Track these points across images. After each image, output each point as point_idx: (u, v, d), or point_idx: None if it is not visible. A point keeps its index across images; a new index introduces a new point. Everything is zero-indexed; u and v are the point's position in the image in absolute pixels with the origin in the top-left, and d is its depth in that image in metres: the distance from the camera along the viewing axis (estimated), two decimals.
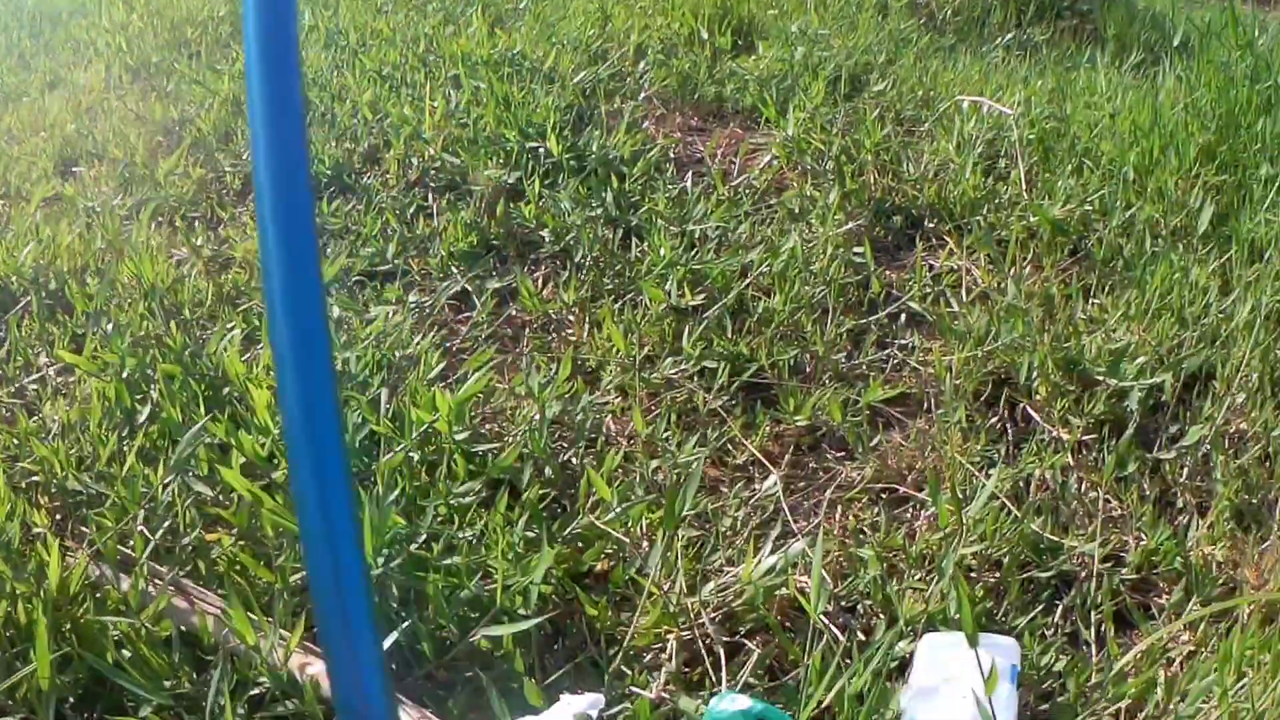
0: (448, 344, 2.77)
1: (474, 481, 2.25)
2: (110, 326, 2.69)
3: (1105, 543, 2.15)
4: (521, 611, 1.96)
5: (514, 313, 2.91)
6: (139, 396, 2.43)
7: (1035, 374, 2.52)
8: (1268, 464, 2.35)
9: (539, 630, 1.99)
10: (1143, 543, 2.17)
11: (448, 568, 2.05)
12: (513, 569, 2.02)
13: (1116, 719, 1.88)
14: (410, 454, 2.28)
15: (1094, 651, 2.01)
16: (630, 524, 2.20)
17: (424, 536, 2.11)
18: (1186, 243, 2.91)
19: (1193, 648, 2.00)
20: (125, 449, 2.25)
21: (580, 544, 2.15)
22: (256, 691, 1.85)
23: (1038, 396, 2.51)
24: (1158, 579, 2.14)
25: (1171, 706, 1.88)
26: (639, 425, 2.42)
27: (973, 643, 1.54)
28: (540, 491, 2.27)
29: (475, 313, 2.86)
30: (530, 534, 2.12)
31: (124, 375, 2.46)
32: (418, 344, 2.65)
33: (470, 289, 2.96)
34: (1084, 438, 2.40)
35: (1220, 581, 2.10)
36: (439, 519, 2.18)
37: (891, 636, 1.91)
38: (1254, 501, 2.27)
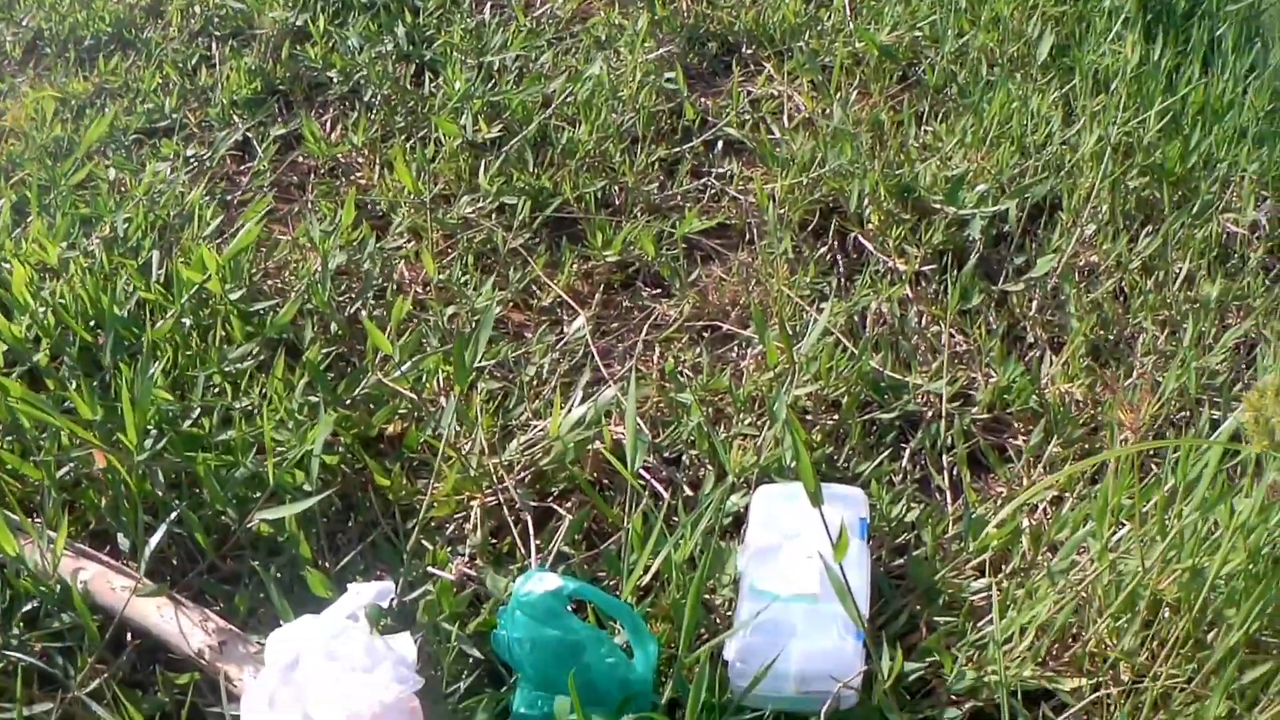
0: (228, 197, 2.37)
1: (250, 344, 1.89)
2: None
3: (953, 380, 1.89)
4: (307, 488, 1.64)
5: (299, 159, 2.51)
6: None
7: (867, 201, 2.23)
8: (1123, 299, 2.12)
9: (328, 507, 1.71)
10: (993, 380, 1.91)
11: (222, 444, 1.72)
12: (293, 439, 1.69)
13: (980, 573, 1.62)
14: (182, 320, 1.92)
15: (948, 499, 1.74)
16: (425, 379, 1.87)
17: (197, 411, 1.77)
18: (1025, 72, 2.64)
19: (1056, 493, 1.75)
20: None
21: (371, 406, 1.82)
22: (30, 607, 1.54)
23: (870, 225, 2.23)
24: (1011, 419, 1.89)
25: (1040, 559, 1.62)
26: (430, 269, 2.06)
27: (815, 498, 1.24)
28: (324, 350, 1.92)
29: (256, 162, 2.46)
30: (313, 399, 1.78)
31: None
32: (193, 199, 2.25)
33: (252, 137, 2.54)
34: (923, 268, 2.12)
35: (1081, 422, 1.85)
36: (213, 390, 1.83)
37: (722, 491, 1.61)
38: (1110, 337, 2.02)
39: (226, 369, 1.85)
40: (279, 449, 1.68)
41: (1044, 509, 1.74)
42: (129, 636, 1.54)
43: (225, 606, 1.57)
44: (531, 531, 1.63)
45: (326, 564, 1.62)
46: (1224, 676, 1.34)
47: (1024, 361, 1.95)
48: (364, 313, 2.04)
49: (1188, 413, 1.90)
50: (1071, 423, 1.82)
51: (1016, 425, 1.88)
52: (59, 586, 1.53)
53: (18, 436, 1.72)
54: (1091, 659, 1.50)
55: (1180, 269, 2.13)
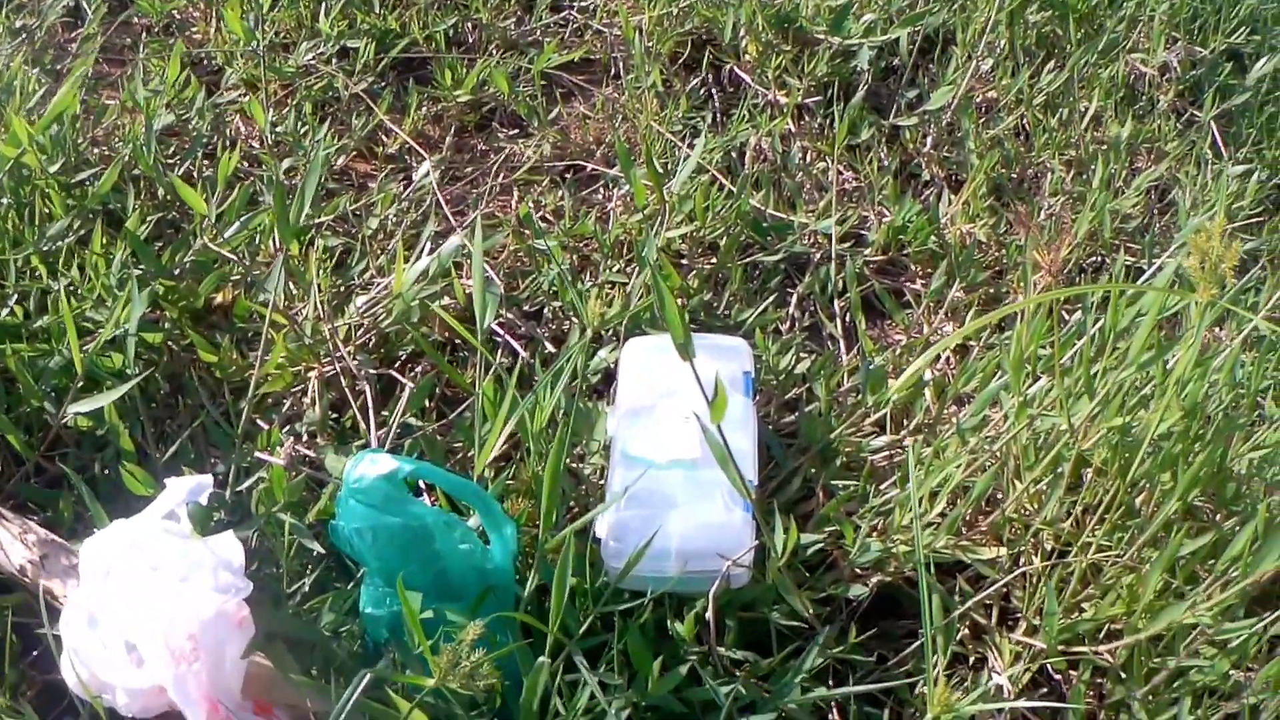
0: (57, 66, 2.04)
1: (69, 218, 1.59)
2: None
3: (842, 220, 1.67)
4: (129, 371, 1.39)
5: (133, 19, 2.18)
6: None
7: (743, 32, 1.99)
8: (1025, 137, 1.91)
9: (156, 392, 1.45)
10: (887, 219, 1.70)
11: (38, 332, 1.45)
12: (112, 318, 1.41)
13: (881, 430, 1.42)
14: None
15: (842, 349, 1.53)
16: (260, 241, 1.60)
17: (14, 298, 1.48)
18: None
19: (960, 343, 1.55)
20: None
21: (202, 276, 1.54)
22: None
23: (747, 57, 1.98)
24: (908, 261, 1.68)
25: (947, 414, 1.42)
26: (260, 120, 1.77)
27: (684, 349, 1.01)
28: (152, 217, 1.63)
29: (86, 25, 2.12)
30: (138, 272, 1.49)
31: None
32: (14, 70, 1.91)
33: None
34: (806, 101, 1.89)
35: (985, 265, 1.65)
36: (31, 273, 1.54)
37: (585, 345, 1.37)
38: (1013, 176, 1.82)
39: (45, 248, 1.55)
40: (98, 331, 1.42)
41: (947, 358, 1.54)
42: None
43: (51, 515, 1.33)
44: (373, 404, 1.38)
45: (156, 455, 1.36)
46: (1166, 549, 1.15)
47: (920, 200, 1.74)
48: (194, 173, 1.75)
49: (1098, 258, 1.71)
50: (975, 265, 1.62)
51: (914, 268, 1.68)
52: None
53: None
54: (1010, 527, 1.31)
55: (1086, 108, 1.93)
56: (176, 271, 1.52)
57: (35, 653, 1.22)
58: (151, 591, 1.06)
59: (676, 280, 1.52)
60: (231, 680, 1.04)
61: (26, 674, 1.22)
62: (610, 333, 1.45)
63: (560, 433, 1.14)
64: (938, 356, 1.52)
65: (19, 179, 1.62)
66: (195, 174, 1.74)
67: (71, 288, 1.49)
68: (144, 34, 2.12)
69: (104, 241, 1.53)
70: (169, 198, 1.69)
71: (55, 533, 1.26)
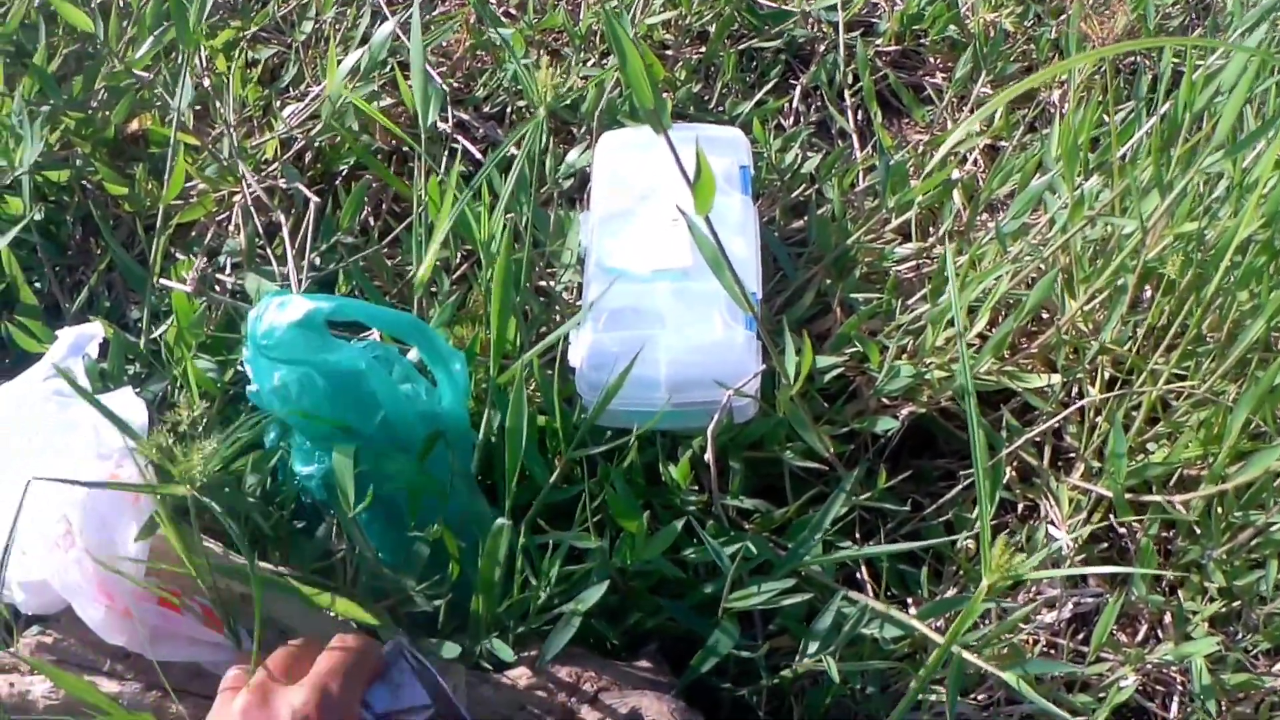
0: None
1: None
2: None
3: (847, 3, 1.34)
4: (37, 217, 1.09)
5: None
6: None
7: None
8: None
9: (65, 238, 1.16)
10: (899, 6, 1.37)
11: None
12: (10, 157, 1.09)
13: (905, 238, 1.11)
14: None
15: (855, 145, 1.22)
16: (182, 58, 1.24)
17: None
18: None
19: (989, 142, 1.24)
20: None
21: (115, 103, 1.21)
22: None
23: None
24: (925, 52, 1.36)
25: (981, 219, 1.12)
26: None
27: (656, 120, 0.69)
28: (69, 49, 1.28)
29: None
30: (48, 105, 1.16)
31: None
32: None
33: None
34: None
35: (1013, 57, 1.32)
36: None
37: (539, 126, 1.06)
38: None
39: None
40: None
41: (975, 160, 1.23)
42: None
43: None
44: (309, 228, 1.07)
45: (68, 306, 1.08)
46: (1261, 381, 0.85)
47: None
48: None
49: (1134, 59, 1.39)
50: (1002, 57, 1.30)
51: (932, 60, 1.35)
52: None
53: None
54: (1064, 351, 1.01)
55: None
56: (94, 105, 1.20)
57: None
58: (27, 466, 0.77)
59: (660, 71, 1.20)
60: (130, 567, 0.74)
61: None
62: (584, 130, 1.13)
63: (506, 240, 0.83)
64: (962, 158, 1.21)
65: None
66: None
67: None
68: None
69: (9, 81, 1.20)
70: (90, 31, 1.35)
71: None
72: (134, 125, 1.23)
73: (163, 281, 1.02)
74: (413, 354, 0.90)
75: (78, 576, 0.73)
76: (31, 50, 1.26)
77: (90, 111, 1.19)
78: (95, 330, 0.87)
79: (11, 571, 0.76)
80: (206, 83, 1.20)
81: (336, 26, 1.32)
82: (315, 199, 1.07)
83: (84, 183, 1.18)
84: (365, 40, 1.24)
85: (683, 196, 0.93)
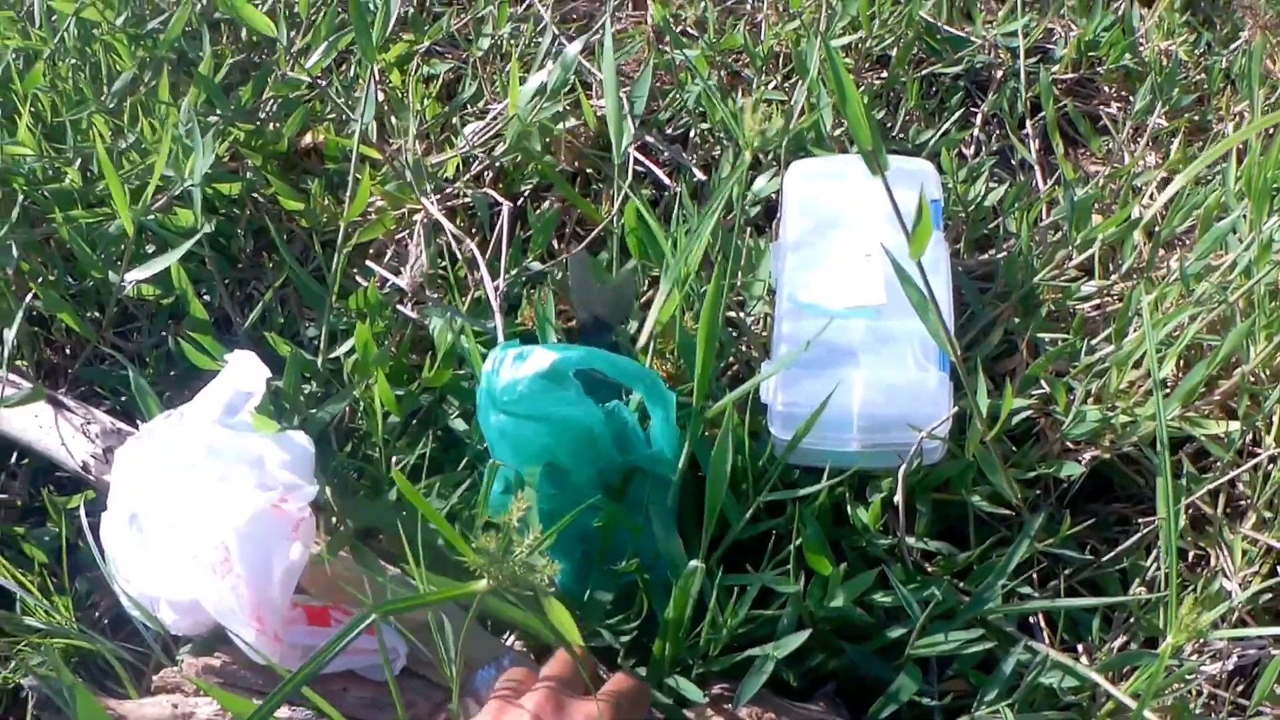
0: None
1: (135, 68, 1.19)
2: None
3: (1026, 32, 1.25)
4: (207, 229, 1.03)
5: None
6: None
7: None
8: None
9: (238, 252, 1.10)
10: (1075, 32, 1.27)
11: (95, 197, 1.09)
12: (180, 169, 1.04)
13: (1085, 274, 1.03)
14: (59, 62, 1.21)
15: (1038, 179, 1.13)
16: (356, 68, 1.20)
17: (77, 162, 1.11)
18: None
19: (1165, 175, 1.14)
20: None
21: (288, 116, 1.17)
22: None
23: None
24: (1100, 81, 1.26)
25: (1161, 260, 1.03)
26: None
27: (874, 161, 0.62)
28: (234, 60, 1.23)
29: None
30: (215, 115, 1.12)
31: None
32: None
33: None
34: None
35: (1190, 88, 1.22)
36: (95, 134, 1.15)
37: (743, 170, 0.99)
38: None
39: (110, 105, 1.15)
40: (170, 184, 1.06)
41: (1151, 194, 1.14)
42: (14, 458, 1.02)
43: (128, 401, 1.01)
44: (495, 247, 1.02)
45: (239, 322, 1.04)
46: None
47: (1112, 11, 1.30)
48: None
49: None
50: (1180, 87, 1.20)
51: (1107, 90, 1.25)
52: None
53: None
54: (1244, 399, 0.92)
55: None
56: (262, 116, 1.15)
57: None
58: (189, 492, 0.76)
59: (852, 87, 1.11)
60: (278, 593, 0.72)
61: (99, 583, 0.91)
62: (770, 157, 1.06)
63: (717, 274, 0.77)
64: (1138, 189, 1.11)
65: (86, 38, 1.22)
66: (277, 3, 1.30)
67: (139, 144, 1.11)
68: None
69: (168, 89, 1.14)
70: (255, 39, 1.29)
71: (130, 421, 0.96)
72: (306, 139, 1.19)
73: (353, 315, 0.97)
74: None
75: (233, 602, 0.71)
76: (195, 59, 1.22)
77: (259, 123, 1.15)
78: (258, 387, 0.82)
79: (162, 590, 0.74)
80: (380, 97, 1.15)
81: (513, 42, 1.26)
82: (509, 204, 1.01)
83: (254, 195, 1.12)
84: (545, 56, 1.18)
85: (877, 230, 0.87)
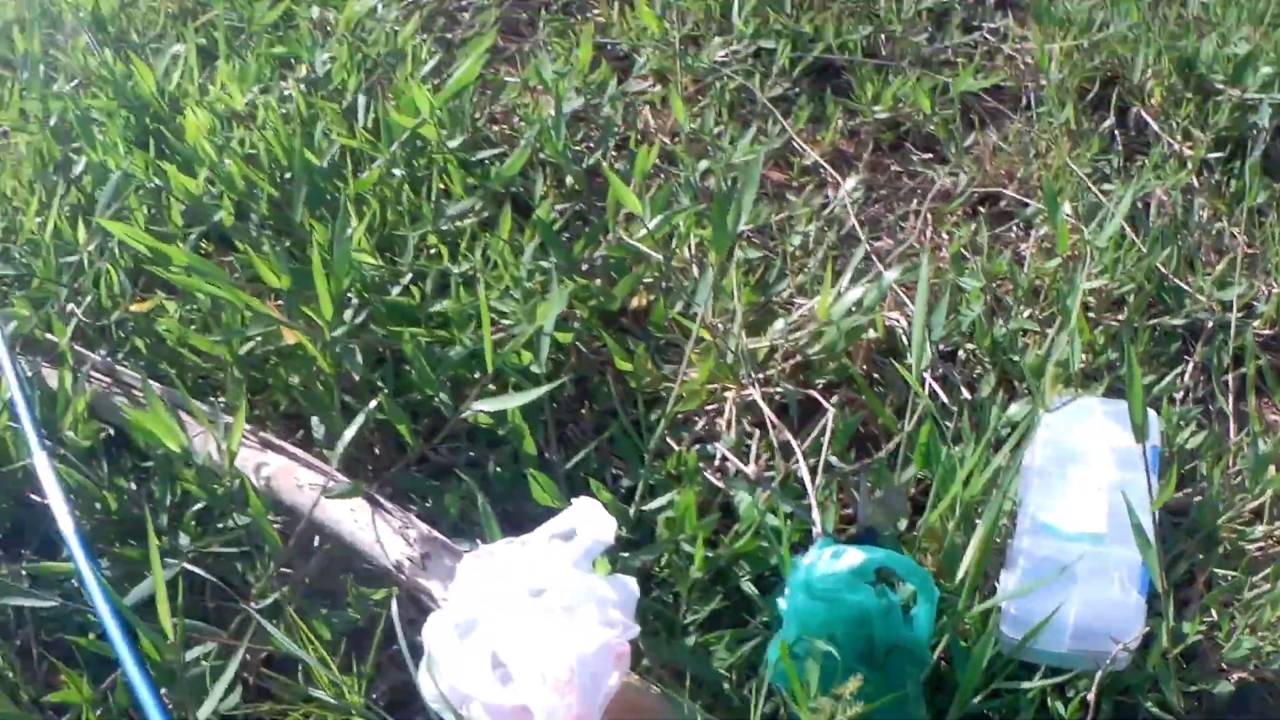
0: (447, 35, 1.90)
1: (471, 199, 1.47)
2: (41, 70, 1.76)
3: (1243, 292, 1.50)
4: (535, 370, 1.26)
5: None
6: (74, 145, 1.60)
7: (1149, 72, 1.80)
8: None
9: (559, 394, 1.32)
10: (1276, 290, 1.52)
11: (435, 317, 1.35)
12: (519, 313, 1.32)
13: (1256, 517, 1.29)
14: (392, 172, 1.49)
15: (1231, 426, 1.39)
16: (676, 244, 1.48)
17: (408, 277, 1.38)
18: None
19: None
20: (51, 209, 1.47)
21: (613, 275, 1.42)
22: (201, 506, 1.21)
23: (1152, 101, 1.80)
24: None
25: None
26: (680, 116, 1.65)
27: (1141, 431, 0.94)
28: (558, 206, 1.52)
29: None
30: (544, 264, 1.38)
31: (50, 122, 1.63)
32: (405, 36, 1.77)
33: None
34: (1207, 155, 1.70)
35: None
36: (427, 252, 1.44)
37: (1001, 398, 1.28)
38: None
39: (443, 227, 1.41)
40: (503, 323, 1.31)
41: None
42: (316, 542, 1.19)
43: (433, 507, 1.23)
44: (829, 439, 1.24)
45: (552, 458, 1.25)
46: None
47: None
48: (604, 164, 1.57)
49: None
50: None
51: None
52: (235, 482, 1.17)
53: (198, 306, 1.34)
54: None
55: None
56: (586, 268, 1.40)
57: (392, 649, 1.06)
58: (534, 616, 0.96)
59: (1087, 335, 1.40)
60: (597, 713, 0.94)
61: (383, 669, 1.13)
62: (1024, 386, 1.35)
63: (996, 502, 1.07)
64: None
65: (413, 150, 1.48)
66: (607, 164, 1.59)
67: (474, 274, 1.35)
68: (542, 10, 1.98)
69: (510, 228, 1.40)
70: (577, 187, 1.57)
71: (435, 529, 1.15)
72: (634, 301, 1.40)
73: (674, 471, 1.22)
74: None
75: (563, 715, 0.91)
76: (526, 200, 1.45)
77: (588, 275, 1.35)
78: (608, 538, 1.01)
79: (480, 691, 0.94)
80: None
81: (819, 241, 1.53)
82: (826, 404, 1.29)
83: (579, 345, 1.32)
84: (836, 249, 1.44)
85: (1110, 468, 1.15)
